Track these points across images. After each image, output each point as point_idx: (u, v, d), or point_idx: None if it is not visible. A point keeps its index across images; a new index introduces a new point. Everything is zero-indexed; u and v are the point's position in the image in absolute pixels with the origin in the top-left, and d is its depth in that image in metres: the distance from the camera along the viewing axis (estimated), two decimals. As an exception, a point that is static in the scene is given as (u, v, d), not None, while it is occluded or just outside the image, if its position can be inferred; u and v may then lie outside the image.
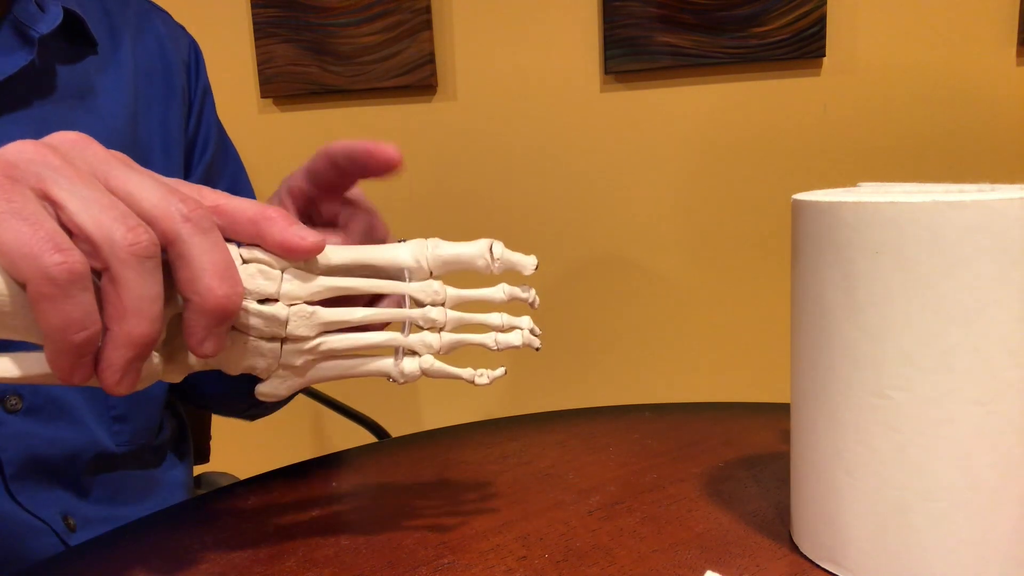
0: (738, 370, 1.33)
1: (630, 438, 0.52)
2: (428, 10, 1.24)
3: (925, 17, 1.19)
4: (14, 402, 0.48)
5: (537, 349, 0.37)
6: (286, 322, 0.32)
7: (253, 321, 0.31)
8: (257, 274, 0.31)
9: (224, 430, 0.90)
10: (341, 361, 0.35)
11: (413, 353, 0.35)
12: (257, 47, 1.28)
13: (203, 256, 0.28)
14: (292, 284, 0.32)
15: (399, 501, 0.45)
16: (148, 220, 0.27)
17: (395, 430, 0.80)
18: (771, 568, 0.36)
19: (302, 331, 0.33)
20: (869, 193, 0.33)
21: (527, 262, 0.37)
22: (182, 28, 0.62)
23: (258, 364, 0.33)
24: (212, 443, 0.85)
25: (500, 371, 0.38)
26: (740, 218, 1.28)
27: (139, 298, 0.26)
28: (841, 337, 0.32)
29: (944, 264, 0.29)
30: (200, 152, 0.60)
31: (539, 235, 1.32)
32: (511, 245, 0.37)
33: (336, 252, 0.34)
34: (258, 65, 1.29)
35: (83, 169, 0.27)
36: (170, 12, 0.62)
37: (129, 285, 0.26)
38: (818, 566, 0.35)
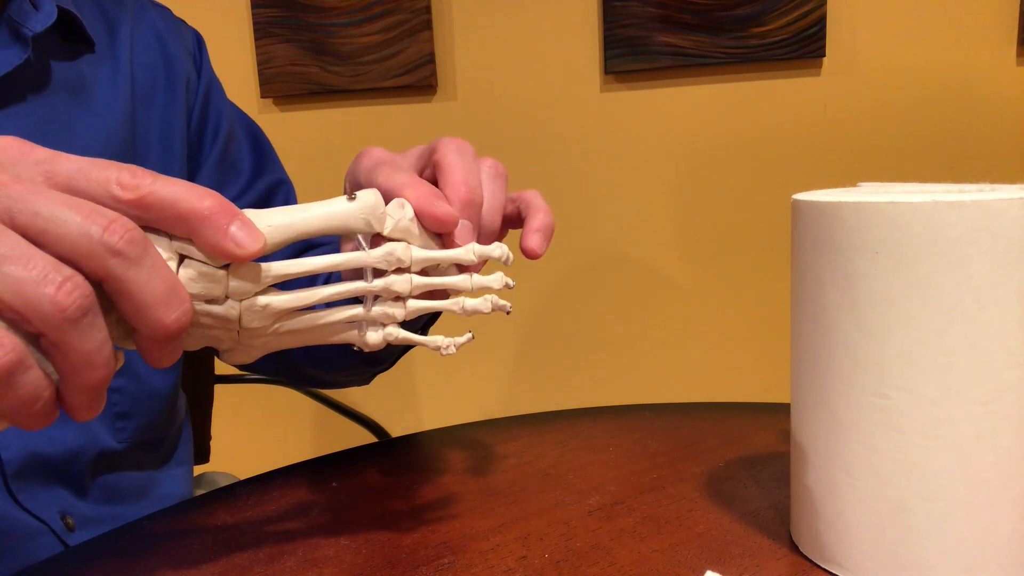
0: (738, 370, 1.33)
1: (630, 438, 0.52)
2: (428, 10, 1.24)
3: (925, 17, 1.19)
4: None
5: (508, 312, 0.35)
6: (239, 319, 0.31)
7: (204, 320, 0.30)
8: (199, 277, 0.29)
9: (224, 430, 0.90)
10: (305, 332, 0.33)
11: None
12: (257, 47, 1.28)
13: (143, 289, 0.26)
14: (239, 282, 0.30)
15: (399, 501, 0.45)
16: (72, 262, 0.25)
17: (395, 430, 0.80)
18: (771, 568, 0.36)
19: (256, 324, 0.31)
20: (869, 193, 0.33)
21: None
22: (183, 21, 0.62)
23: (220, 345, 0.32)
24: (212, 443, 0.85)
25: (466, 337, 0.36)
26: (740, 218, 1.28)
27: (85, 354, 0.25)
28: (841, 337, 0.32)
29: (944, 264, 0.29)
30: (210, 142, 0.60)
31: (539, 235, 1.32)
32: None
33: (277, 230, 0.30)
34: (258, 65, 1.29)
35: None
36: (171, 12, 0.62)
37: (71, 347, 0.25)
38: (818, 566, 0.35)
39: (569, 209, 1.31)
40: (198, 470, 0.84)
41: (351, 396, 0.97)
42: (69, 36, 0.51)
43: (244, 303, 0.30)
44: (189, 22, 0.63)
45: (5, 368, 0.24)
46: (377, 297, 0.33)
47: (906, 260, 0.30)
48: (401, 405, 1.40)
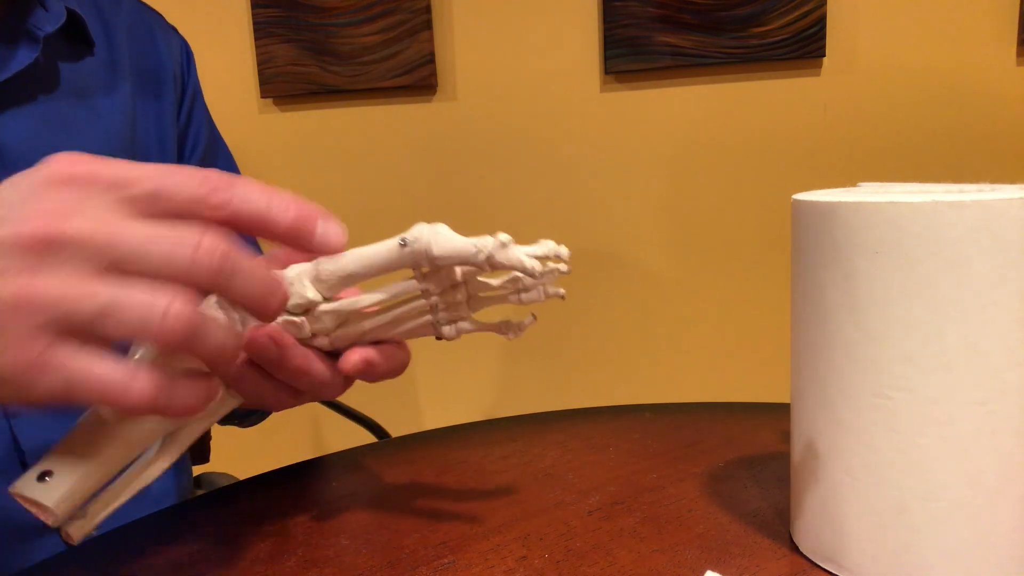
0: (738, 370, 1.33)
1: (630, 438, 0.52)
2: (428, 10, 1.24)
3: (925, 17, 1.19)
4: None
5: (562, 297, 0.37)
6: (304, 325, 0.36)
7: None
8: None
9: (224, 430, 0.90)
10: (378, 329, 0.37)
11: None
12: (257, 47, 1.28)
13: (245, 293, 0.29)
14: (325, 311, 0.36)
15: (399, 501, 0.45)
16: (175, 281, 0.27)
17: (395, 430, 0.80)
18: (771, 568, 0.36)
19: (320, 325, 0.36)
20: (869, 193, 0.33)
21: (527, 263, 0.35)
22: (173, 29, 0.62)
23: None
24: (212, 443, 0.85)
25: (529, 320, 0.39)
26: (740, 218, 1.28)
27: (217, 350, 0.28)
28: (841, 337, 0.32)
29: (944, 264, 0.29)
30: (190, 151, 0.61)
31: (539, 235, 1.32)
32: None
33: (336, 276, 0.35)
34: (258, 65, 1.29)
35: (91, 265, 0.26)
36: (170, 12, 0.63)
37: (197, 351, 0.28)
38: (818, 566, 0.35)
39: (569, 209, 1.31)
40: (198, 470, 0.84)
41: (351, 396, 0.97)
42: (72, 38, 0.51)
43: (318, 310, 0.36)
44: (189, 22, 0.63)
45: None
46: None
47: (906, 260, 0.30)
48: (401, 405, 1.40)
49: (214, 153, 0.64)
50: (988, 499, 0.31)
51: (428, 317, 0.37)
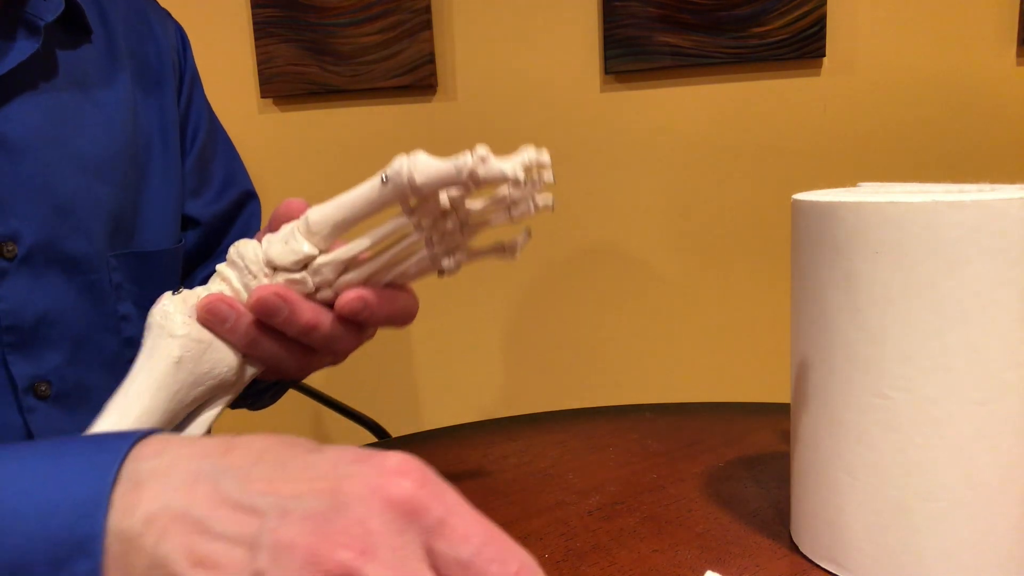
0: (738, 370, 1.33)
1: (630, 438, 0.52)
2: (428, 10, 1.24)
3: (925, 17, 1.19)
4: (43, 388, 0.48)
5: (551, 208, 0.37)
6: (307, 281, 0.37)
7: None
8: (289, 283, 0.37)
9: (224, 430, 0.90)
10: (380, 273, 0.37)
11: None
12: (257, 47, 1.28)
13: None
14: (324, 263, 0.36)
15: (399, 501, 0.44)
16: None
17: (395, 430, 0.80)
18: (771, 568, 0.36)
19: (321, 278, 0.37)
20: (869, 193, 0.33)
21: (509, 167, 0.33)
22: (167, 13, 0.62)
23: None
24: (212, 443, 0.85)
25: (523, 236, 0.38)
26: (740, 218, 1.28)
27: None
28: (841, 337, 0.32)
29: (944, 264, 0.29)
30: (192, 137, 0.60)
31: (539, 235, 1.32)
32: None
33: (326, 226, 0.36)
34: (258, 65, 1.29)
35: None
36: (170, 12, 0.62)
37: None
38: (818, 566, 0.35)
39: (569, 209, 1.31)
40: (198, 470, 0.84)
41: (351, 396, 0.97)
42: (69, 25, 0.51)
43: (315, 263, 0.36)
44: (189, 22, 0.63)
45: None
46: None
47: (906, 260, 0.30)
48: (401, 405, 1.40)
49: (214, 139, 0.63)
50: (988, 499, 0.31)
51: (424, 252, 0.36)
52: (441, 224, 0.36)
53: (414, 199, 0.35)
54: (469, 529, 0.22)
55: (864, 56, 1.21)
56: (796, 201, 0.35)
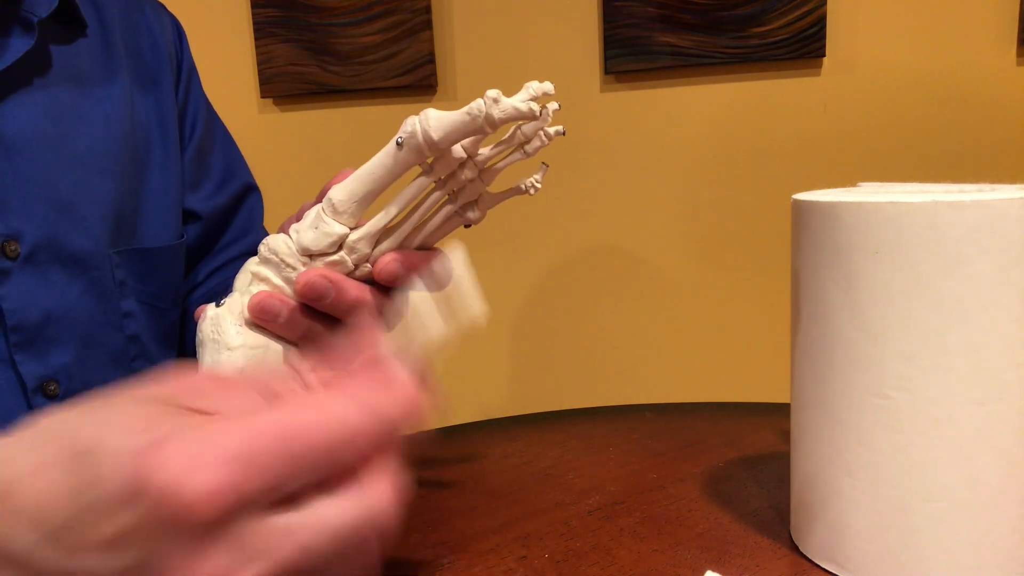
0: (738, 370, 1.33)
1: (630, 438, 0.52)
2: (428, 10, 1.24)
3: (925, 17, 1.19)
4: (52, 388, 0.48)
5: (563, 134, 0.37)
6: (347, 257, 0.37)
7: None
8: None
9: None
10: (412, 236, 0.38)
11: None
12: (257, 47, 1.28)
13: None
14: (357, 239, 0.37)
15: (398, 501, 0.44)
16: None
17: (395, 430, 0.79)
18: (771, 568, 0.36)
19: (358, 254, 0.37)
20: (869, 193, 0.33)
21: (524, 106, 0.34)
22: (163, 6, 0.61)
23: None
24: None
25: (542, 169, 0.40)
26: (740, 218, 1.28)
27: None
28: (841, 337, 0.32)
29: (944, 264, 0.29)
30: (189, 130, 0.60)
31: (539, 235, 1.32)
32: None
33: (351, 202, 0.36)
34: (258, 65, 1.29)
35: None
36: (171, 12, 0.62)
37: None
38: (818, 566, 0.35)
39: (569, 209, 1.31)
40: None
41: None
42: (63, 19, 0.50)
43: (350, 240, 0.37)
44: (189, 22, 0.63)
45: None
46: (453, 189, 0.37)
47: (906, 260, 0.30)
48: (401, 405, 1.40)
49: (212, 131, 0.63)
50: (988, 499, 0.31)
51: (450, 207, 0.37)
52: (460, 176, 0.36)
53: (431, 156, 0.35)
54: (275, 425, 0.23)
55: (864, 56, 1.21)
56: (796, 201, 0.35)
